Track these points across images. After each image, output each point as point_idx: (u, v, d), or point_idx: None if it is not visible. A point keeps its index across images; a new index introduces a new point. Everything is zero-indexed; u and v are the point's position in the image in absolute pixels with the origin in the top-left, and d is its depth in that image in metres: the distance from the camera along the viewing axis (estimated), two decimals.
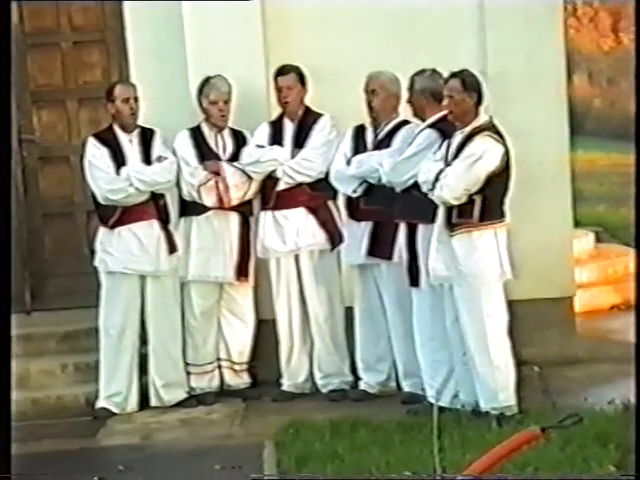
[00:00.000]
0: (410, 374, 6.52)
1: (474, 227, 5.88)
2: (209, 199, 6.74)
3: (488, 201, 5.87)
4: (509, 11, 6.96)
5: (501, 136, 5.93)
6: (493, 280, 5.93)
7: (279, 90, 6.78)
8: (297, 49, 6.96)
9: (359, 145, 6.62)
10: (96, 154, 6.71)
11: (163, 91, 7.01)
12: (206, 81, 6.76)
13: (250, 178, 6.75)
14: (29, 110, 7.66)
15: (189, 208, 6.81)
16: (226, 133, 6.86)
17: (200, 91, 6.76)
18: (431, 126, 6.20)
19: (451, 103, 5.93)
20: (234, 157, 6.82)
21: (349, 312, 6.81)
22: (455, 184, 5.83)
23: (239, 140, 6.87)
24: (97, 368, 6.80)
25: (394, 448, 5.59)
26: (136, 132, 6.78)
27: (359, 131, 6.66)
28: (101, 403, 6.77)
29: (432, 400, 6.13)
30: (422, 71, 6.30)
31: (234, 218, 6.83)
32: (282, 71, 6.77)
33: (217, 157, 6.80)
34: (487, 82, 6.26)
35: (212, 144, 6.84)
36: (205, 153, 6.80)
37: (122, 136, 6.76)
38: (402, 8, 7.06)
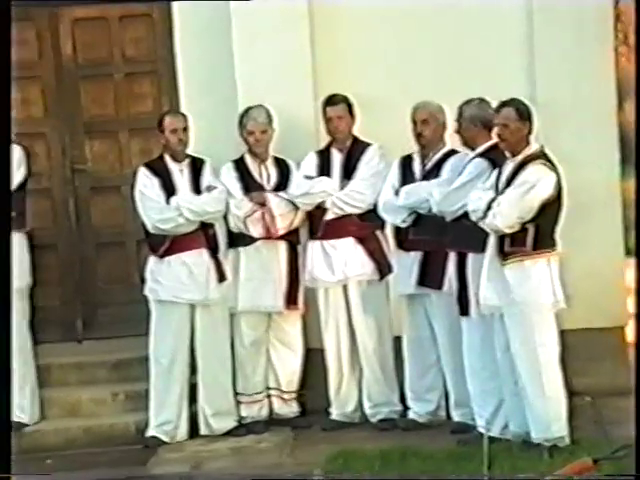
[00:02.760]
0: (460, 404, 6.46)
1: (527, 256, 5.83)
2: (256, 230, 6.76)
3: (541, 229, 5.82)
4: (558, 39, 6.95)
5: (553, 164, 5.89)
6: (546, 309, 5.87)
7: (328, 120, 6.79)
8: (344, 78, 6.97)
9: (407, 175, 6.60)
10: (147, 184, 6.76)
11: (213, 121, 7.05)
12: (246, 112, 6.81)
13: (296, 207, 6.76)
14: (82, 140, 7.74)
15: (237, 239, 6.83)
16: (269, 163, 6.89)
17: (240, 122, 6.82)
18: (481, 155, 6.17)
19: (505, 132, 5.89)
20: (279, 186, 6.83)
21: (398, 342, 6.77)
22: (508, 212, 5.79)
23: (283, 169, 6.89)
24: (147, 397, 6.81)
25: (445, 478, 5.54)
26: (186, 162, 6.82)
27: (406, 161, 6.64)
28: (151, 432, 6.78)
29: (482, 430, 6.05)
30: (470, 100, 6.28)
31: (282, 247, 6.84)
32: (331, 101, 6.78)
33: (261, 187, 6.82)
34: (537, 110, 6.23)
35: (256, 175, 6.87)
36: (249, 184, 6.82)
37: (173, 166, 6.81)
38: (450, 37, 7.06)
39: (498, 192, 5.89)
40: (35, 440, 6.89)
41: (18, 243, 6.90)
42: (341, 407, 6.85)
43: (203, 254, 6.77)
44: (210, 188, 6.77)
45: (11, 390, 5.34)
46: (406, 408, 6.77)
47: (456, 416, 6.54)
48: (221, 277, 6.79)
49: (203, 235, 6.78)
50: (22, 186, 6.92)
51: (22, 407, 6.93)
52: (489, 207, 5.84)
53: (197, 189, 6.78)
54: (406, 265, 6.55)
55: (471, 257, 6.11)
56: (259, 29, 6.98)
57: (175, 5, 7.24)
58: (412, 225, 6.52)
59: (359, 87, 6.89)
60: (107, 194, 7.72)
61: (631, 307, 7.42)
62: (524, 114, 5.90)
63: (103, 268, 7.77)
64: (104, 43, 7.67)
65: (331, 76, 6.99)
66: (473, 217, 5.95)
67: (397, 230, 6.63)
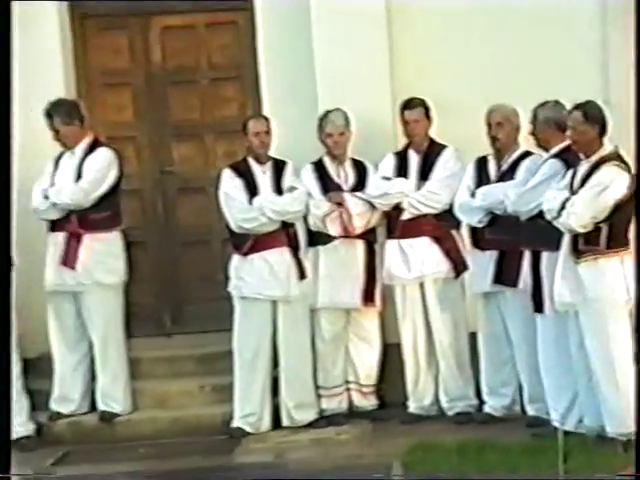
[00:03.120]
0: (535, 398, 6.49)
1: (601, 254, 5.85)
2: (334, 229, 6.84)
3: (614, 228, 5.83)
4: (632, 41, 6.89)
5: (627, 165, 5.90)
6: (620, 306, 5.87)
7: (406, 123, 6.87)
8: (421, 81, 7.04)
9: (482, 177, 6.65)
10: (231, 185, 6.87)
11: (294, 124, 7.12)
12: (325, 115, 6.91)
13: (373, 207, 6.83)
14: (170, 143, 7.87)
15: (316, 238, 6.92)
16: (347, 164, 6.98)
17: (319, 125, 6.92)
18: (555, 156, 6.20)
19: (574, 134, 5.94)
20: (356, 187, 6.91)
21: (473, 338, 6.81)
22: (582, 212, 5.81)
23: (360, 170, 6.97)
24: (232, 389, 6.90)
25: (521, 470, 5.58)
26: (269, 163, 6.93)
27: (482, 163, 6.69)
28: (236, 423, 6.88)
29: (557, 424, 6.09)
30: (545, 103, 6.31)
31: (360, 246, 6.92)
32: (409, 105, 6.85)
33: (339, 188, 6.91)
34: (611, 111, 6.21)
35: (334, 176, 6.96)
36: (328, 185, 6.92)
37: (256, 167, 6.92)
38: (526, 39, 7.08)
39: (572, 192, 5.91)
40: (127, 429, 6.99)
41: (114, 240, 7.07)
42: (418, 401, 6.92)
43: (284, 252, 6.85)
44: (291, 189, 6.87)
45: (11, 391, 5.35)
46: (482, 402, 6.81)
47: (531, 410, 6.57)
48: (301, 274, 6.88)
49: (284, 234, 6.86)
50: (115, 186, 7.05)
51: (115, 398, 7.07)
52: (563, 207, 5.86)
53: (279, 190, 6.88)
54: (482, 264, 6.59)
55: (545, 255, 6.14)
56: (339, 34, 7.07)
57: (259, 13, 7.35)
58: (488, 225, 6.57)
59: (436, 90, 6.94)
60: (193, 195, 7.82)
61: None
62: (593, 117, 5.91)
63: (190, 265, 7.87)
64: (192, 50, 7.79)
65: (408, 79, 7.06)
66: (548, 216, 5.98)
67: (473, 230, 6.68)
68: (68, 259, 6.96)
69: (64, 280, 7.00)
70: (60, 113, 6.98)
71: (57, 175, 7.03)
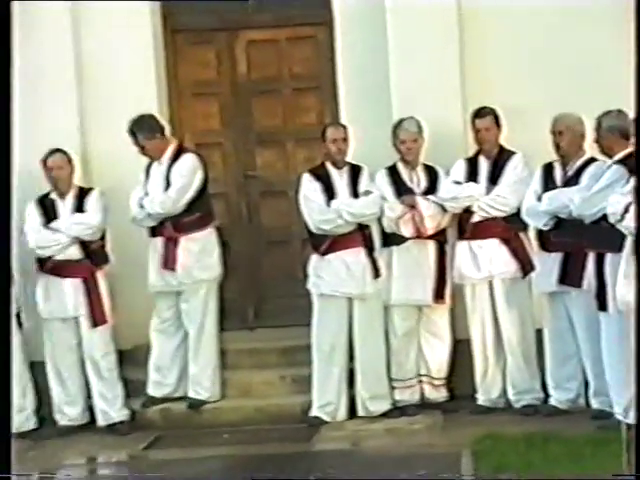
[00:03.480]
0: (599, 392, 6.62)
1: None
2: (407, 230, 7.00)
3: None
4: None
5: None
6: None
7: (477, 131, 7.03)
8: (491, 89, 7.16)
9: (549, 182, 6.78)
10: (310, 188, 7.06)
11: (370, 131, 7.27)
12: (399, 123, 7.07)
13: (444, 209, 6.99)
14: (253, 149, 8.06)
15: (390, 239, 7.08)
16: (420, 169, 7.14)
17: (393, 132, 7.08)
18: (619, 162, 6.28)
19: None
20: (428, 191, 7.07)
21: (540, 334, 6.93)
22: None
23: (432, 175, 7.13)
24: (311, 380, 7.06)
25: (585, 461, 5.67)
26: (346, 168, 7.11)
27: (548, 169, 6.83)
28: (314, 412, 7.05)
29: (620, 417, 6.17)
30: (609, 112, 6.40)
31: (431, 246, 7.07)
32: (480, 113, 7.01)
33: (412, 192, 7.07)
34: None
35: (407, 180, 7.12)
36: (401, 189, 7.08)
37: (333, 172, 7.10)
38: (592, 49, 7.18)
39: None
40: (214, 416, 7.16)
41: (208, 238, 7.26)
42: (487, 393, 7.05)
43: (360, 252, 7.01)
44: (367, 192, 7.02)
45: (11, 391, 5.32)
46: (547, 395, 6.92)
47: (595, 403, 6.69)
48: (376, 273, 7.03)
49: (360, 235, 7.02)
50: (203, 188, 7.24)
51: (205, 386, 7.25)
52: (626, 210, 5.92)
53: (355, 193, 7.05)
54: (548, 265, 6.74)
55: (609, 257, 6.22)
56: (413, 47, 7.22)
57: (338, 28, 7.51)
58: (553, 228, 6.70)
59: (504, 98, 7.05)
60: (275, 198, 7.99)
61: None
62: None
63: (271, 264, 8.04)
64: (274, 62, 7.97)
65: (478, 89, 7.17)
66: (611, 219, 6.06)
67: (539, 232, 6.82)
68: (168, 262, 7.16)
69: (167, 281, 7.22)
70: (142, 129, 7.16)
71: (149, 184, 7.23)
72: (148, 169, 7.27)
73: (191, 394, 7.28)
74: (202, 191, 7.25)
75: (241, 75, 8.01)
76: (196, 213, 7.21)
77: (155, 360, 7.34)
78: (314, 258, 7.07)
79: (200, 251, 7.23)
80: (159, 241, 7.21)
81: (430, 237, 7.02)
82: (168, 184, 7.17)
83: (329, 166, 7.09)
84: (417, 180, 7.11)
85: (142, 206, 7.17)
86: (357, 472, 6.06)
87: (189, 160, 7.22)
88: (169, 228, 7.17)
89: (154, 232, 7.25)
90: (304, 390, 7.10)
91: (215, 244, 7.31)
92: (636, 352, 5.65)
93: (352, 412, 7.08)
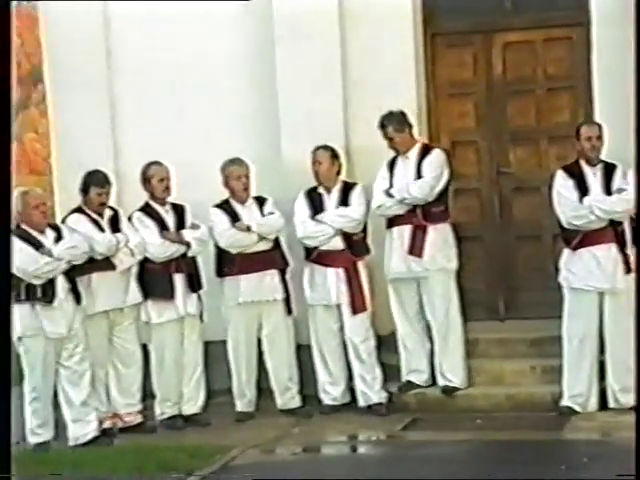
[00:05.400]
0: None
1: None
2: None
3: None
4: None
5: None
6: None
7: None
8: None
9: None
10: (563, 185, 7.15)
11: (624, 130, 6.91)
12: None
13: None
14: (507, 147, 8.17)
15: None
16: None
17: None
18: None
19: None
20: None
21: None
22: None
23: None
24: (561, 371, 7.16)
25: None
26: (599, 166, 7.16)
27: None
28: (565, 402, 7.15)
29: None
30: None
31: None
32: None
33: None
34: None
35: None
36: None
37: (587, 169, 7.16)
38: None
39: None
40: (466, 402, 7.39)
41: (448, 231, 7.51)
42: None
43: (611, 248, 7.05)
44: (620, 190, 7.03)
45: (11, 390, 5.31)
46: None
47: None
48: (628, 269, 7.03)
49: (612, 231, 7.05)
50: (447, 184, 7.50)
51: (455, 374, 7.47)
52: None
53: (608, 191, 7.07)
54: None
55: None
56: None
57: (594, 29, 7.49)
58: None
59: None
60: (527, 194, 8.07)
61: None
62: None
63: (522, 258, 8.12)
64: (529, 63, 8.05)
65: None
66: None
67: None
68: (415, 248, 7.45)
69: (409, 268, 7.51)
70: (392, 123, 7.49)
71: (395, 177, 7.54)
72: (392, 164, 7.58)
73: (441, 381, 7.53)
74: (447, 186, 7.53)
75: (497, 76, 8.14)
76: (442, 205, 7.50)
77: (406, 350, 7.63)
78: (565, 252, 7.16)
79: (443, 241, 7.50)
80: (406, 229, 7.50)
81: None
82: (419, 176, 7.46)
83: (583, 163, 7.16)
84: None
85: (390, 195, 7.49)
86: (608, 463, 6.03)
87: (440, 154, 7.54)
88: (419, 216, 7.47)
89: (394, 222, 7.55)
90: (554, 380, 7.21)
91: (453, 237, 7.57)
92: (636, 352, 5.39)
93: (603, 403, 7.12)
